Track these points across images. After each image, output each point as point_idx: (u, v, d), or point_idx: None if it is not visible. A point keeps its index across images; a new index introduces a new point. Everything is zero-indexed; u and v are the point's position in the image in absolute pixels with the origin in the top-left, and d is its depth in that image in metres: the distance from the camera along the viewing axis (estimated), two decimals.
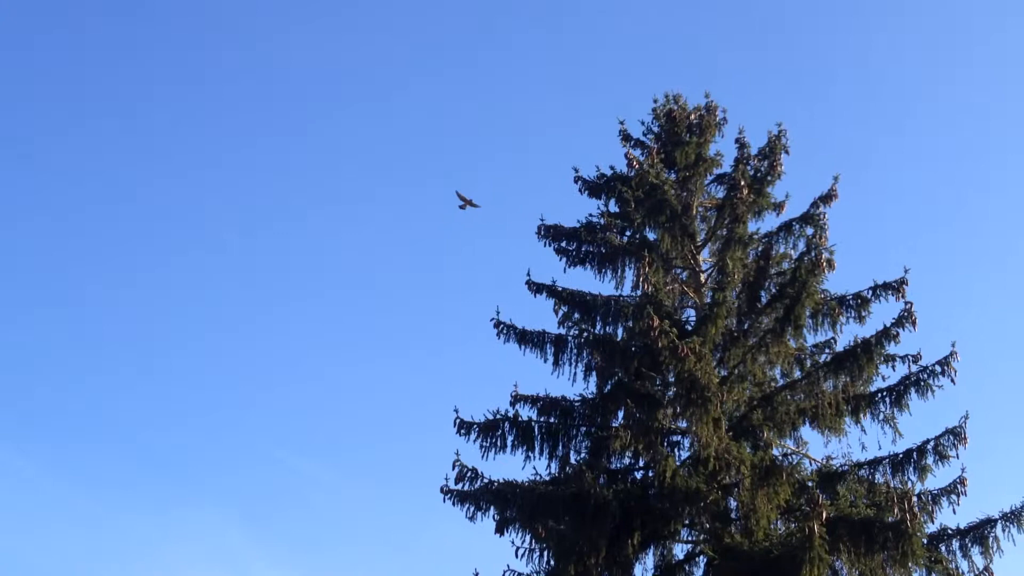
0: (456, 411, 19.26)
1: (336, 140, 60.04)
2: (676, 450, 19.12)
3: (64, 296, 56.25)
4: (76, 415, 52.13)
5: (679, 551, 18.67)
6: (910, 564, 16.70)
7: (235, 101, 61.17)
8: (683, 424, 19.21)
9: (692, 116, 22.35)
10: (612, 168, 21.79)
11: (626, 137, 22.40)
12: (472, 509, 18.23)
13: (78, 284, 56.91)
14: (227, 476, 50.24)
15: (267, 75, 61.23)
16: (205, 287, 57.07)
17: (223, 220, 58.52)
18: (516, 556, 17.93)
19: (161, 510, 46.97)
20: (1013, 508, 17.46)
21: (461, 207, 22.53)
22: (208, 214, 58.56)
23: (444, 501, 18.38)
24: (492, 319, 20.25)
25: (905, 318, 19.03)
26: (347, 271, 57.46)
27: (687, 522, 18.08)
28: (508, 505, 17.98)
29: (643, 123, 22.54)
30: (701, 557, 17.99)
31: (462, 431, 19.10)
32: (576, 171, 21.76)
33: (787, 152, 21.49)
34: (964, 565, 17.44)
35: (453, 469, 18.44)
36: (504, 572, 18.18)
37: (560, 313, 20.20)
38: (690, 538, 18.47)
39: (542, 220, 21.29)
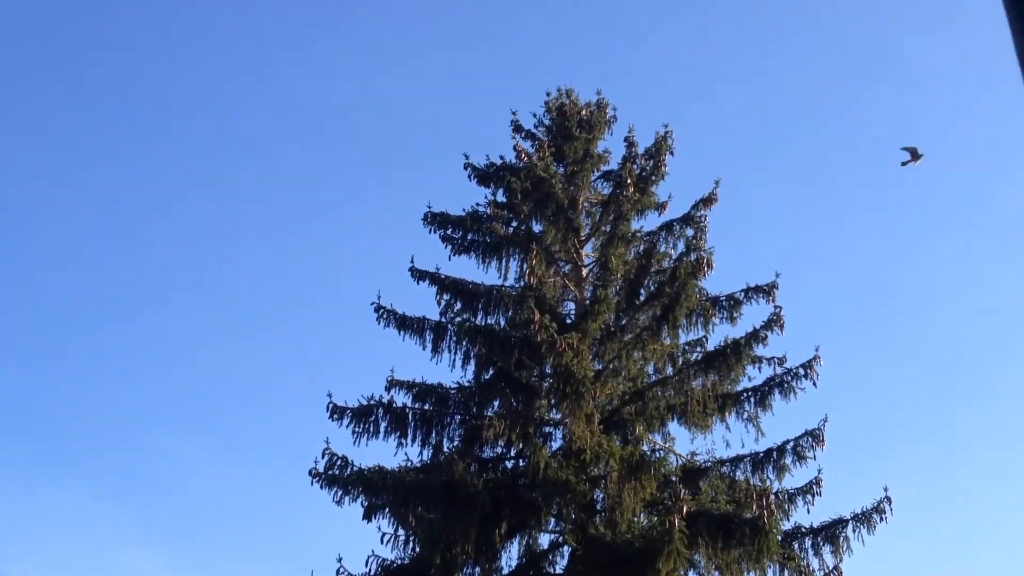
0: (329, 396, 19.19)
1: (221, 116, 58.89)
2: (548, 441, 19.41)
3: None
4: None
5: (544, 541, 18.96)
6: (764, 560, 17.25)
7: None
8: (556, 416, 19.50)
9: (583, 112, 22.61)
10: (502, 158, 21.97)
11: (517, 128, 22.57)
12: (340, 494, 18.16)
13: None
14: (93, 454, 49.19)
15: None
16: (77, 263, 55.51)
17: (95, 200, 56.85)
18: (382, 542, 17.98)
19: (23, 488, 45.74)
20: (864, 509, 18.10)
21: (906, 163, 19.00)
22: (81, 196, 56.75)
23: (312, 484, 18.34)
24: (372, 303, 20.23)
25: (774, 321, 19.64)
26: (231, 245, 56.59)
27: (554, 512, 18.33)
28: (377, 492, 17.99)
29: (535, 115, 22.77)
30: (565, 547, 18.27)
31: (335, 416, 19.00)
32: (466, 157, 21.87)
33: (672, 153, 21.93)
34: (815, 563, 18.04)
35: (323, 457, 18.38)
36: (368, 558, 18.19)
37: (443, 302, 20.29)
38: (556, 528, 18.74)
39: (429, 207, 21.36)
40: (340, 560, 18.06)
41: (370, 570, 18.08)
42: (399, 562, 18.11)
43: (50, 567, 43.38)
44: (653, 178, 21.66)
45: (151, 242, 55.54)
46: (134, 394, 51.32)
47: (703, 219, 21.20)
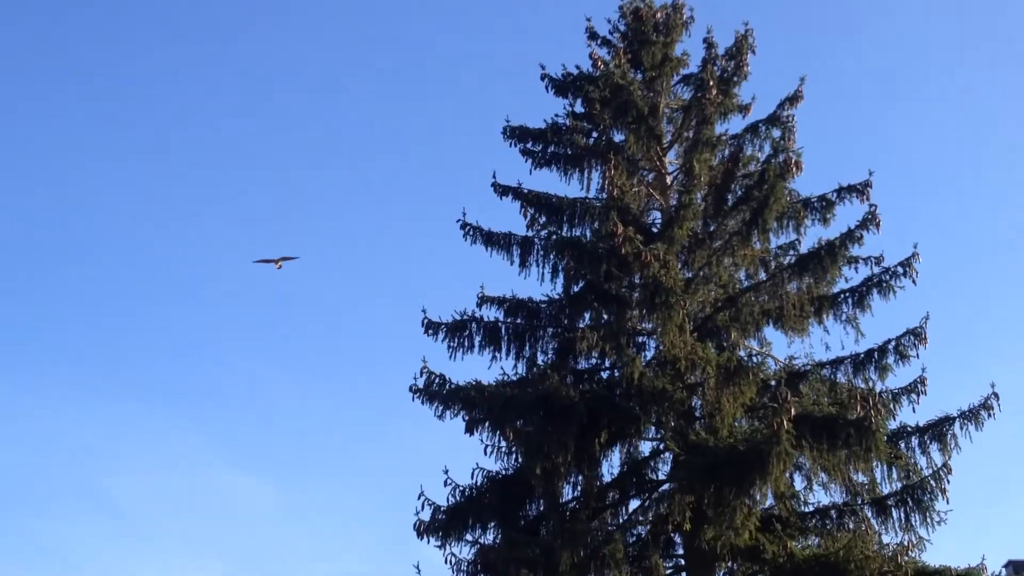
0: (424, 311, 19.24)
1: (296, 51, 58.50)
2: (642, 351, 19.28)
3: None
4: (23, 317, 51.55)
5: (645, 448, 18.94)
6: (872, 459, 17.06)
7: None
8: (648, 326, 19.33)
9: (659, 15, 21.93)
10: (578, 68, 21.45)
11: (592, 35, 21.98)
12: (441, 409, 18.27)
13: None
14: (193, 388, 50.11)
15: None
16: (155, 178, 56.03)
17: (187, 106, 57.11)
18: (485, 454, 18.10)
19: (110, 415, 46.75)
20: (971, 407, 17.79)
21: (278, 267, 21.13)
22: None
23: (413, 400, 18.44)
24: (458, 220, 20.07)
25: (869, 220, 19.14)
26: (316, 173, 56.76)
27: (653, 421, 18.24)
28: (476, 407, 18.02)
29: (609, 21, 22.12)
30: (667, 454, 18.22)
31: (430, 331, 19.09)
32: (543, 68, 21.38)
33: (753, 52, 21.26)
34: (923, 461, 17.83)
35: (420, 375, 18.42)
36: (473, 470, 18.33)
37: (528, 216, 20.06)
38: (656, 436, 18.67)
39: (508, 121, 21.02)
40: (447, 472, 18.23)
41: (476, 481, 18.30)
42: (503, 472, 18.23)
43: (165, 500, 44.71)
44: (735, 79, 21.06)
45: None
46: (214, 317, 51.99)
47: (790, 119, 20.68)
